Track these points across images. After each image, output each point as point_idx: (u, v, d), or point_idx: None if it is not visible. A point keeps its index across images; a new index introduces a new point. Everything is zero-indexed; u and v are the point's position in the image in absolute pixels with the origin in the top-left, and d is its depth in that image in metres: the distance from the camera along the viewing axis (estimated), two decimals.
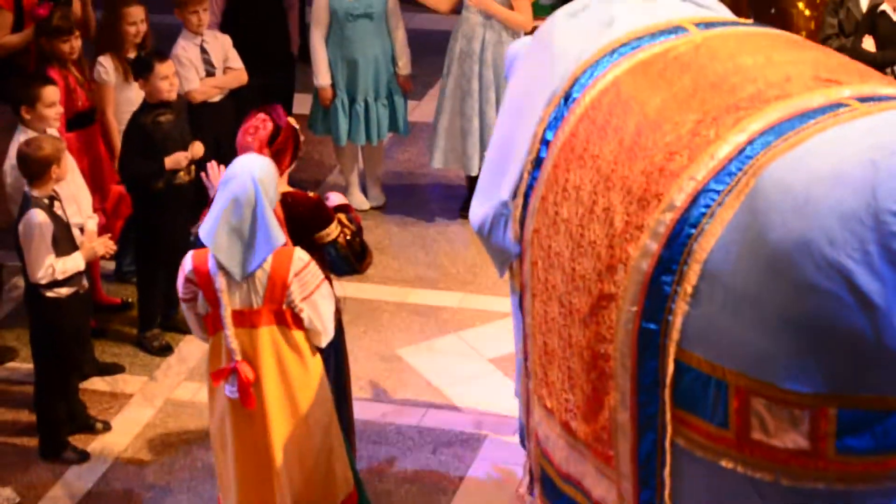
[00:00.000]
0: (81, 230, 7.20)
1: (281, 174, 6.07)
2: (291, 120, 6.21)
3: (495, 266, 5.88)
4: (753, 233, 4.53)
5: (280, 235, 5.77)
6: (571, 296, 5.06)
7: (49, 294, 6.96)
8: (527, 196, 5.46)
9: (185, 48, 8.46)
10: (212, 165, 6.22)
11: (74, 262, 6.97)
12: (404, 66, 8.99)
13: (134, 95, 8.08)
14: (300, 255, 5.84)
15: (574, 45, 5.59)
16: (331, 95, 8.91)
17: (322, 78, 8.89)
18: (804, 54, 5.26)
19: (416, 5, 9.08)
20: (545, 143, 5.41)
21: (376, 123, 9.00)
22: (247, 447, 5.93)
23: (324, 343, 5.96)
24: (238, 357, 5.78)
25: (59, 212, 6.95)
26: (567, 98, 5.42)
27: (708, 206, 4.65)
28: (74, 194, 7.31)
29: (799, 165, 4.55)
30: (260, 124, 6.14)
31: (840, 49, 7.97)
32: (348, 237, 6.19)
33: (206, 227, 5.78)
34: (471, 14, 8.73)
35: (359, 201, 9.18)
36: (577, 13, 5.78)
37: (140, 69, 7.74)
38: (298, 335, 5.88)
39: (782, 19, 9.12)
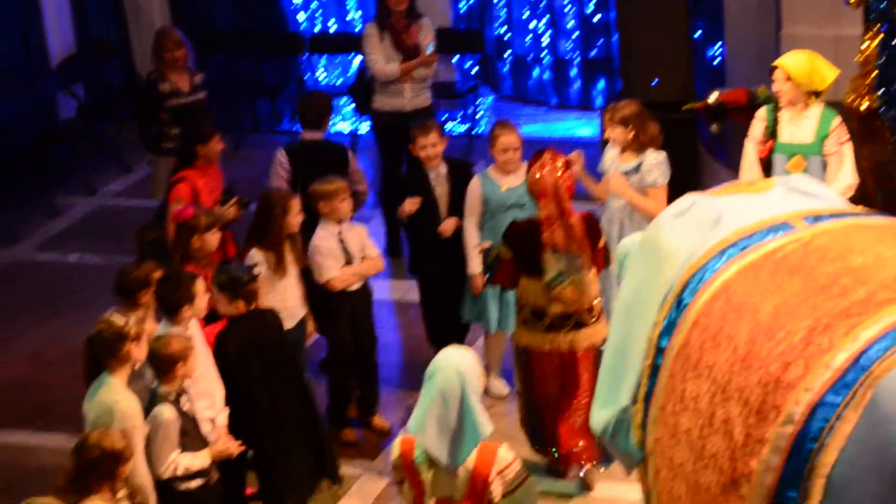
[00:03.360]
0: (214, 422, 7.31)
1: (570, 196, 7.79)
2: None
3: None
4: (875, 447, 4.51)
5: (487, 426, 5.93)
6: None
7: (179, 487, 7.05)
8: (647, 402, 5.48)
9: (324, 238, 8.55)
10: None
11: (200, 460, 7.05)
12: None
13: (283, 284, 8.29)
14: (504, 454, 5.96)
15: (682, 245, 5.62)
16: (482, 283, 8.86)
17: (474, 265, 8.86)
18: None
19: None
20: (660, 350, 5.43)
21: None
22: None
23: None
24: None
25: (186, 407, 7.06)
26: (679, 303, 5.44)
27: (827, 420, 4.65)
28: (207, 388, 7.37)
29: None
30: (550, 158, 7.78)
31: None
32: None
33: (415, 420, 5.98)
34: (613, 199, 8.79)
35: (498, 389, 9.09)
36: (683, 212, 5.80)
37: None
38: None
39: None
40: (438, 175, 9.09)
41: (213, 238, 8.21)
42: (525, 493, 6.01)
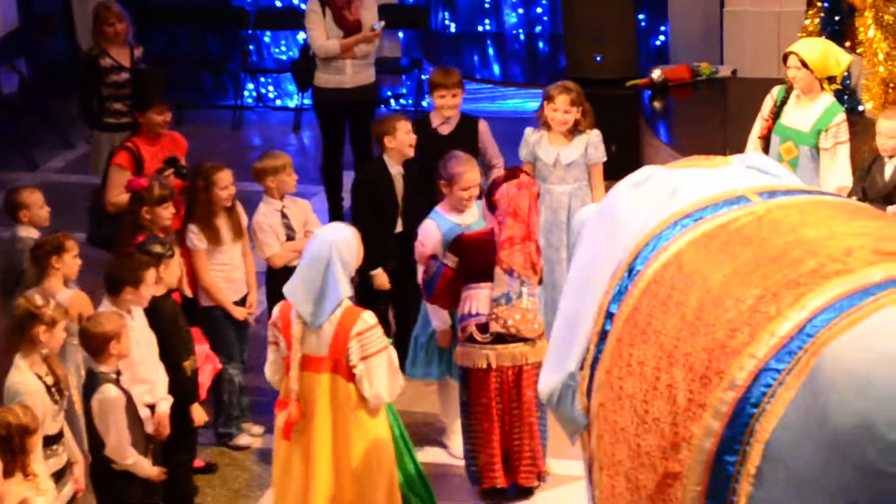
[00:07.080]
0: (151, 409, 7.16)
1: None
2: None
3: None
4: (815, 414, 4.53)
5: (347, 289, 6.74)
6: (637, 472, 5.07)
7: (117, 467, 6.85)
8: (593, 368, 5.49)
9: (266, 214, 8.49)
10: None
11: (148, 470, 6.90)
12: None
13: (227, 257, 8.33)
14: (365, 317, 6.73)
15: (638, 215, 5.64)
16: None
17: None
18: (866, 225, 5.25)
19: None
20: (609, 315, 5.44)
21: None
22: (289, 485, 6.83)
23: (371, 406, 6.76)
24: (294, 396, 6.74)
25: (125, 386, 6.89)
26: (631, 270, 5.46)
27: (769, 386, 4.66)
28: (147, 376, 7.23)
29: (860, 344, 4.56)
30: (528, 180, 7.59)
31: None
32: None
33: (290, 282, 6.85)
34: (553, 185, 8.68)
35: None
36: (640, 183, 5.82)
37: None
38: (353, 389, 6.75)
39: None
40: (399, 172, 8.78)
41: (164, 212, 8.07)
42: (383, 361, 6.69)
